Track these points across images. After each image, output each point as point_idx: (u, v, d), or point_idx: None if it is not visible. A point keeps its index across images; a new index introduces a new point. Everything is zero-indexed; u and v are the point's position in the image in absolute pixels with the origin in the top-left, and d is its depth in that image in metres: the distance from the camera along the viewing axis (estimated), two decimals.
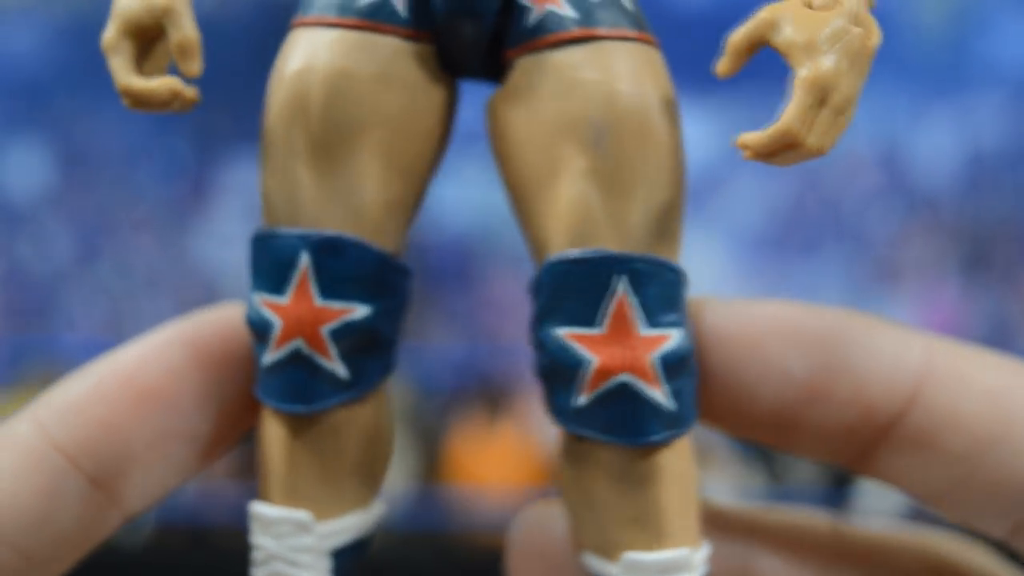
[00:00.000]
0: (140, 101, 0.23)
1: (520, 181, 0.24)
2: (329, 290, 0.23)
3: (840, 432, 0.24)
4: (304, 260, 0.23)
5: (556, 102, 0.23)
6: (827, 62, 0.21)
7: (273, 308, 0.23)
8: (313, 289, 0.23)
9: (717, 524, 0.27)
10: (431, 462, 2.25)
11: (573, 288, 0.23)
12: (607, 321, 0.22)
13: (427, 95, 0.24)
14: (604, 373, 0.23)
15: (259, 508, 0.24)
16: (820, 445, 0.25)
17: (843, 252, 2.77)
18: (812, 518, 0.27)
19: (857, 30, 0.21)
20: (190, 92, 0.23)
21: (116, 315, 2.73)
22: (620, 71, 0.23)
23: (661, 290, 0.23)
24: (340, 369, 0.23)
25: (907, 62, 2.65)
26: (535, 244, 0.24)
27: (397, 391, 2.21)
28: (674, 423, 0.23)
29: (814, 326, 0.24)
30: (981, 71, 2.73)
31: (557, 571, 0.26)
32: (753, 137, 0.21)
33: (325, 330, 0.23)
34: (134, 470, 0.24)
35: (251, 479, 0.24)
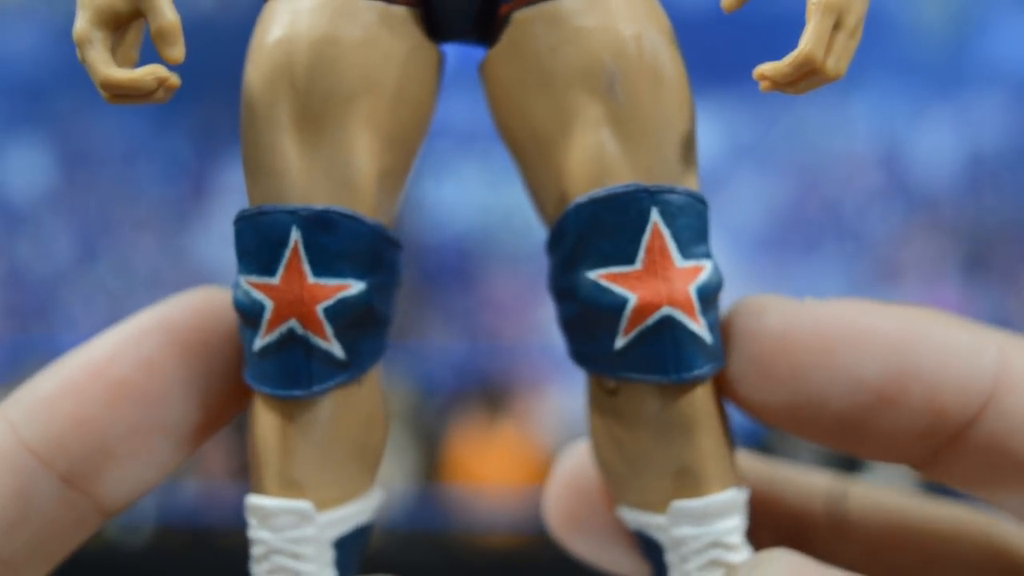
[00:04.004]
0: (123, 94, 0.21)
1: (531, 135, 0.23)
2: (322, 267, 0.22)
3: (911, 437, 0.23)
4: (294, 237, 0.22)
5: (562, 52, 0.22)
6: None
7: (263, 289, 0.22)
8: (305, 267, 0.22)
9: (773, 497, 0.26)
10: (431, 462, 2.25)
11: (604, 227, 0.22)
12: (642, 256, 0.22)
13: (415, 61, 0.23)
14: (645, 309, 0.22)
15: (256, 500, 0.23)
16: (889, 450, 0.24)
17: (843, 252, 2.77)
18: (871, 491, 0.26)
19: None
20: (174, 79, 0.22)
21: (116, 315, 2.70)
22: (621, 13, 0.22)
23: (691, 221, 0.22)
24: (336, 349, 0.23)
25: (907, 62, 2.65)
26: (552, 197, 0.23)
27: (397, 391, 2.19)
28: (712, 356, 0.23)
29: (886, 329, 0.23)
30: (981, 71, 2.72)
31: (592, 511, 0.26)
32: (772, 67, 0.21)
33: (319, 309, 0.22)
34: (109, 466, 0.23)
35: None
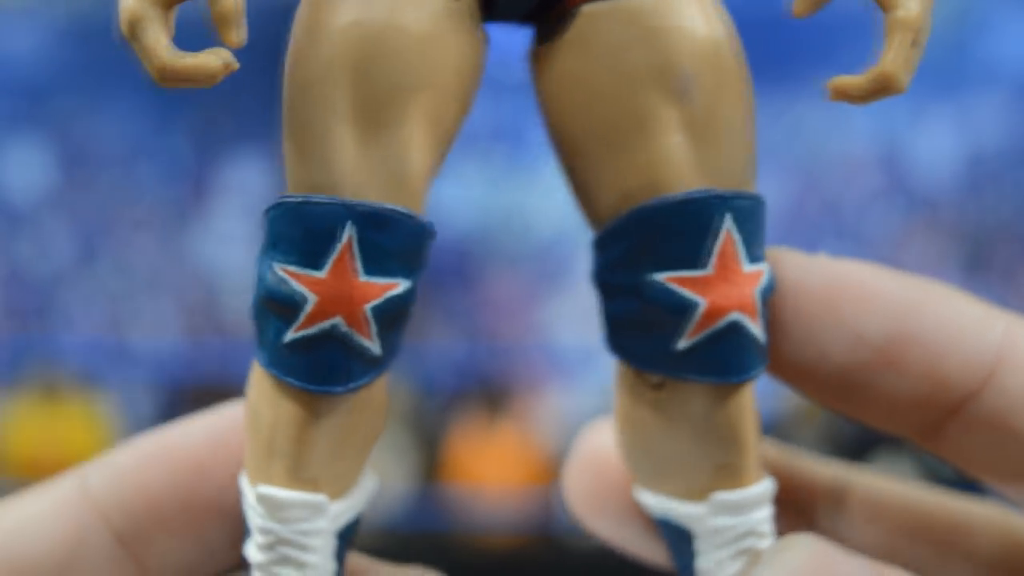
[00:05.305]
0: (183, 78, 0.20)
1: (594, 133, 0.23)
2: (374, 265, 0.22)
3: (911, 404, 0.24)
4: (348, 233, 0.21)
5: (636, 51, 0.22)
6: (916, 3, 0.21)
7: (305, 282, 0.21)
8: (356, 264, 0.21)
9: (791, 485, 0.26)
10: (431, 462, 2.25)
11: (675, 230, 0.22)
12: (714, 261, 0.22)
13: (470, 56, 0.23)
14: (715, 313, 0.22)
15: (268, 491, 0.22)
16: (888, 415, 0.24)
17: (843, 252, 2.75)
18: (882, 482, 0.27)
19: None
20: (235, 62, 0.21)
21: (116, 315, 2.72)
22: (695, 14, 0.22)
23: (756, 225, 0.23)
24: (376, 347, 0.22)
25: None
26: (611, 195, 0.23)
27: (397, 391, 2.19)
28: (764, 356, 0.23)
29: (894, 291, 0.24)
30: (981, 71, 2.73)
31: (613, 490, 0.26)
32: (852, 84, 0.21)
33: (368, 308, 0.22)
34: (161, 537, 0.23)
35: None
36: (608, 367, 0.25)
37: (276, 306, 0.22)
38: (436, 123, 0.22)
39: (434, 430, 2.30)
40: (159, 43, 0.20)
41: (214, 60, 0.20)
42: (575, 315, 2.59)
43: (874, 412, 0.24)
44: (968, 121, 2.79)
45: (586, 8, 0.23)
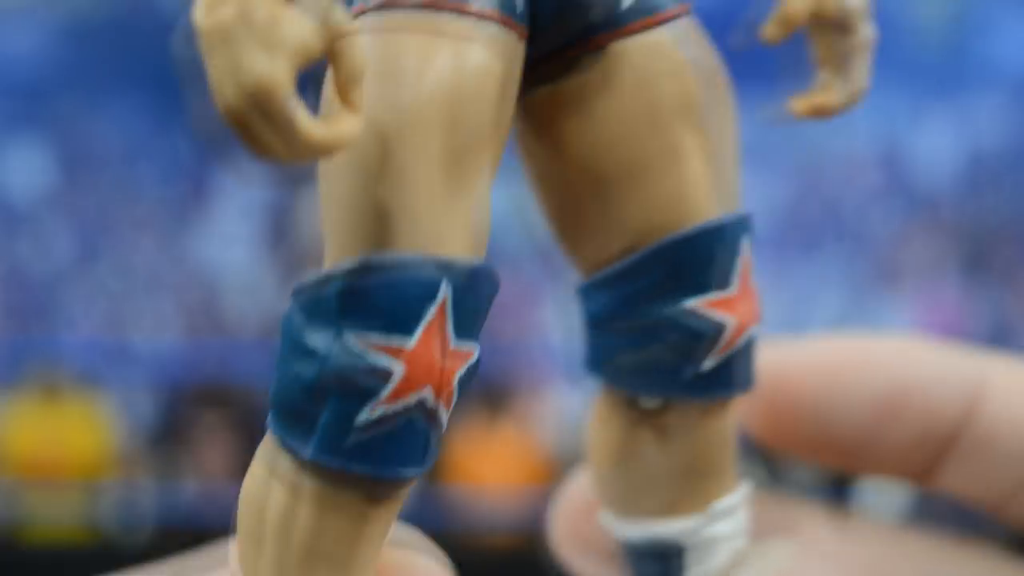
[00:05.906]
0: (322, 153, 0.17)
1: (619, 169, 0.22)
2: (463, 329, 0.20)
3: (910, 446, 0.26)
4: (443, 294, 0.19)
5: (666, 85, 0.22)
6: (867, 23, 0.22)
7: (391, 352, 0.19)
8: (449, 328, 0.19)
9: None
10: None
11: (707, 257, 0.22)
12: (737, 280, 0.23)
13: (515, 101, 0.21)
14: (740, 330, 0.23)
15: None
16: (893, 462, 0.26)
17: (843, 252, 2.77)
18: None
19: None
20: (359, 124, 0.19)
21: (116, 315, 2.72)
22: (704, 44, 0.23)
23: (753, 242, 0.23)
24: (446, 419, 0.20)
25: (907, 62, 2.66)
26: (631, 229, 0.22)
27: None
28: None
29: (882, 349, 0.26)
30: (981, 71, 2.73)
31: (596, 533, 0.27)
32: (828, 101, 0.22)
33: (457, 377, 0.19)
34: None
35: None
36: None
37: (348, 384, 0.19)
38: (495, 166, 0.21)
39: None
40: (306, 116, 0.17)
41: (348, 127, 0.18)
42: (576, 315, 2.58)
43: (879, 462, 0.26)
44: (968, 121, 2.79)
45: (615, 46, 0.22)
